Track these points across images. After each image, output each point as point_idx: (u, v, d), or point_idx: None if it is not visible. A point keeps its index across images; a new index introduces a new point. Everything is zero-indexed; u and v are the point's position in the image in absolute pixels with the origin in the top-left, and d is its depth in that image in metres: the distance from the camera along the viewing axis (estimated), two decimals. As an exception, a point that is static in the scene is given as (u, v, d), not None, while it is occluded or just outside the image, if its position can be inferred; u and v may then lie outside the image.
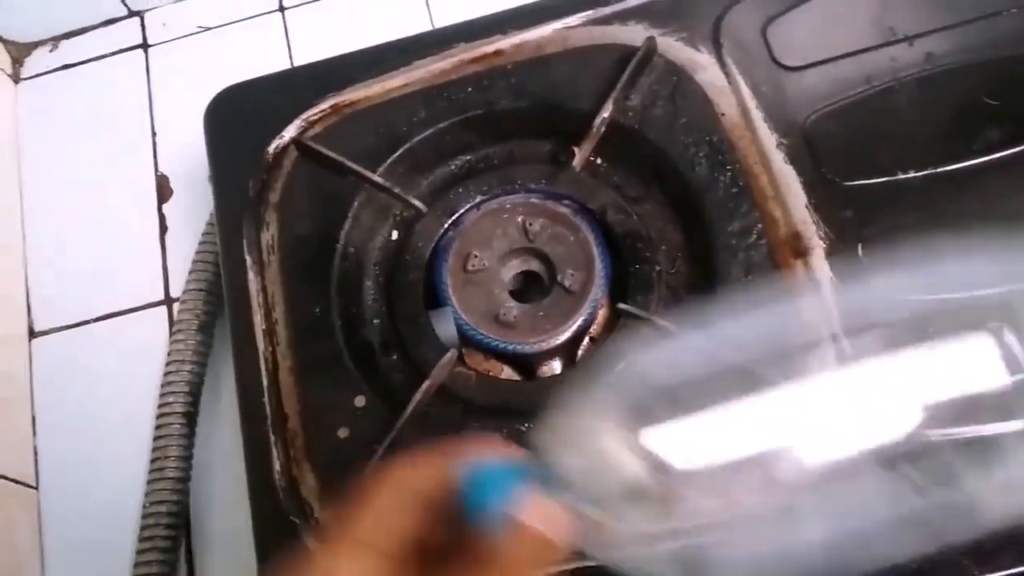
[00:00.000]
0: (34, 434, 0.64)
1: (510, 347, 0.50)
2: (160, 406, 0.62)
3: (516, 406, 0.49)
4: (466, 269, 0.52)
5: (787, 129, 0.52)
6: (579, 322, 0.50)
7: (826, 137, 0.51)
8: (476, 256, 0.52)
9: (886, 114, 0.52)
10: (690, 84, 0.54)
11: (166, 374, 0.63)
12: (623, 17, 0.57)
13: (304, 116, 0.58)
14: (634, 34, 0.55)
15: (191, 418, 0.63)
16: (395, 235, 0.56)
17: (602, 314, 0.53)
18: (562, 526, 0.30)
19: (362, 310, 0.53)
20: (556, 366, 0.52)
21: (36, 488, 0.63)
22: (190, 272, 0.65)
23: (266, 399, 0.51)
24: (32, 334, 0.68)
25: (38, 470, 0.64)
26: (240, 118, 0.59)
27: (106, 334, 0.67)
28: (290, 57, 0.75)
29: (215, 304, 0.64)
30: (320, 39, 0.75)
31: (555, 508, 0.30)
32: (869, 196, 0.50)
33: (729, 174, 0.51)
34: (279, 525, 0.48)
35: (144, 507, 0.60)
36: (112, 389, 0.66)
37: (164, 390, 0.62)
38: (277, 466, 0.49)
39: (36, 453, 0.64)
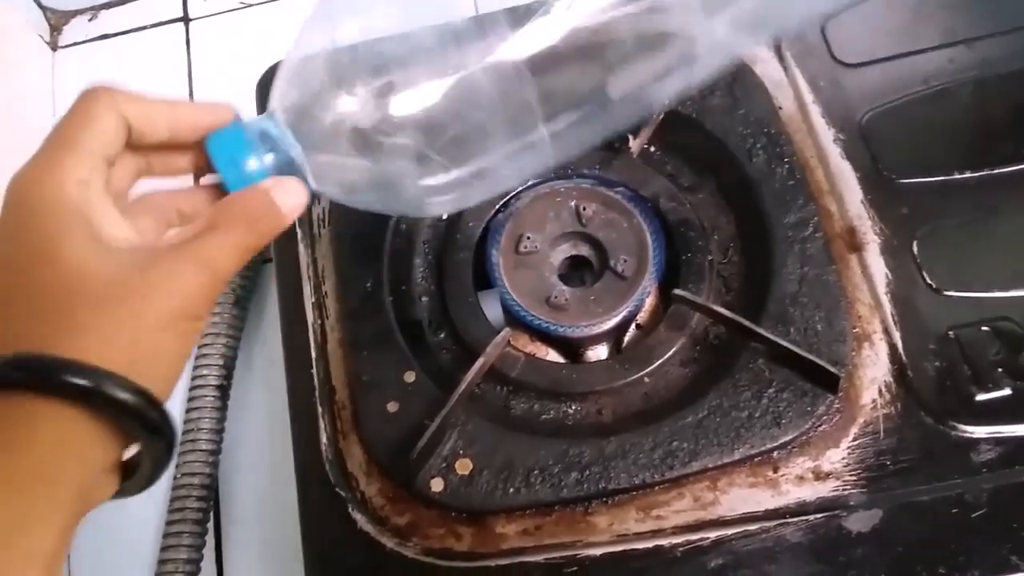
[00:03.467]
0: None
1: (560, 330, 0.50)
2: (193, 378, 0.61)
3: (564, 388, 0.49)
4: (518, 251, 0.52)
5: (844, 124, 0.52)
6: (630, 307, 0.50)
7: (883, 134, 0.52)
8: (528, 238, 0.52)
9: (942, 114, 0.52)
10: (749, 76, 0.54)
11: (201, 346, 0.62)
12: (681, 8, 0.57)
13: (356, 92, 0.57)
14: (692, 25, 0.55)
15: (224, 391, 0.62)
16: (445, 214, 0.55)
17: (650, 302, 0.53)
18: (292, 192, 0.34)
19: (411, 287, 0.53)
20: (602, 351, 0.52)
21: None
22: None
23: (314, 371, 0.51)
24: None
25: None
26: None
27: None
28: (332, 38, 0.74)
29: (250, 279, 0.64)
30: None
31: (289, 182, 0.34)
32: (925, 194, 0.50)
33: (786, 167, 0.51)
34: (325, 498, 0.48)
35: (175, 478, 0.60)
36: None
37: (198, 362, 0.62)
38: (324, 438, 0.49)
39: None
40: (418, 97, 0.35)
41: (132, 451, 0.30)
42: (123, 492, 0.30)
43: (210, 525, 0.60)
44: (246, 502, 0.61)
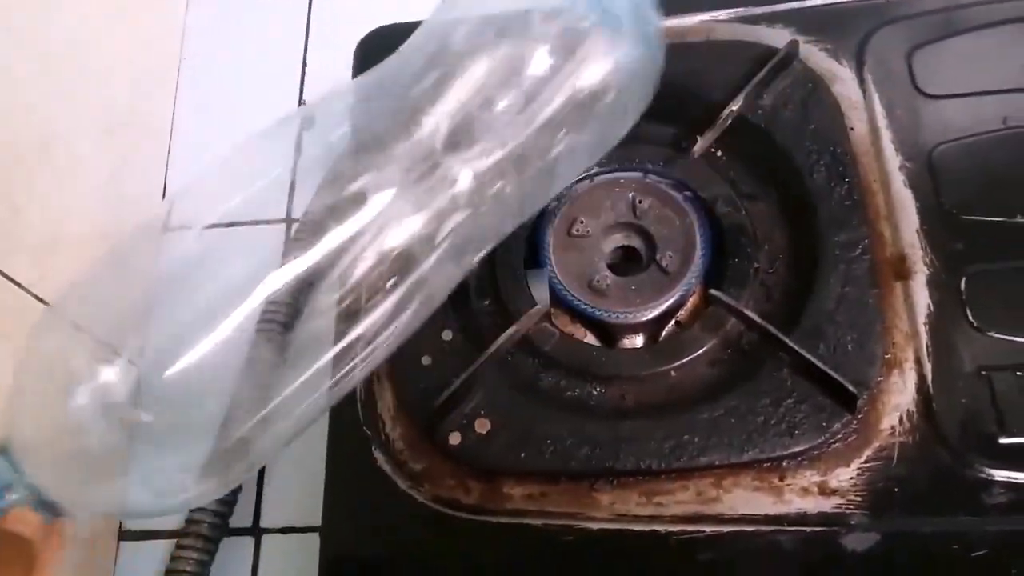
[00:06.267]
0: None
1: (597, 313, 0.52)
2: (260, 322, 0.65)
3: (592, 370, 0.51)
4: (570, 233, 0.54)
5: (913, 154, 0.52)
6: (670, 302, 0.51)
7: (951, 168, 0.51)
8: (582, 223, 0.54)
9: (1016, 157, 0.51)
10: (825, 94, 0.54)
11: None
12: (771, 19, 0.57)
13: (446, 64, 0.60)
14: (778, 37, 0.56)
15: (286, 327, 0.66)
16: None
17: (693, 300, 0.54)
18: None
19: (465, 253, 0.56)
20: (638, 340, 0.53)
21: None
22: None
23: (361, 315, 0.54)
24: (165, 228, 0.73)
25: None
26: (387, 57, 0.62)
27: (227, 240, 0.72)
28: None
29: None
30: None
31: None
32: (982, 233, 0.50)
33: (846, 186, 0.51)
34: (352, 435, 0.51)
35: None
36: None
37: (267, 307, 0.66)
38: (360, 379, 0.52)
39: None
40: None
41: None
42: None
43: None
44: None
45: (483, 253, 0.47)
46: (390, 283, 0.42)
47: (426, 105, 0.43)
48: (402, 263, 0.41)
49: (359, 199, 0.41)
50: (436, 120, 0.43)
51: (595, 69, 0.44)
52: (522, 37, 0.44)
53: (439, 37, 0.46)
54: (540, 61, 0.44)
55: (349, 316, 0.41)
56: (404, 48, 0.47)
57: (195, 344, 0.37)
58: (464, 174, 0.42)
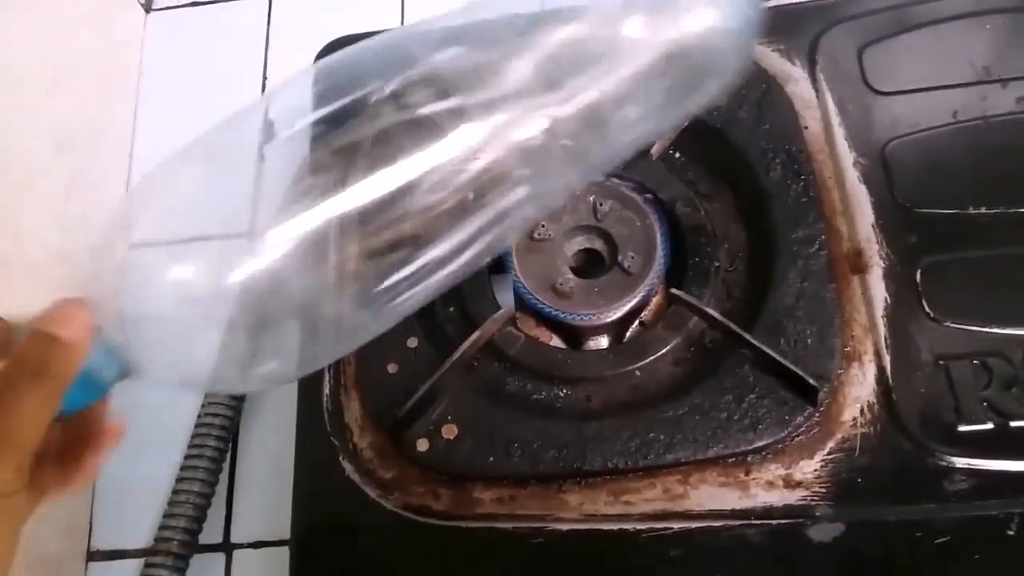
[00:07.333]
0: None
1: (561, 315, 0.52)
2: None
3: (558, 372, 0.51)
4: (532, 237, 0.54)
5: (866, 150, 0.53)
6: (632, 303, 0.52)
7: (904, 163, 0.52)
8: (543, 226, 0.54)
9: (967, 150, 0.52)
10: (779, 94, 0.55)
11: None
12: (724, 22, 0.58)
13: (405, 74, 0.61)
14: (731, 39, 0.57)
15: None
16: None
17: (656, 301, 0.54)
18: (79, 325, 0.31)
19: (428, 260, 0.56)
20: (603, 341, 0.54)
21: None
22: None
23: (326, 326, 0.54)
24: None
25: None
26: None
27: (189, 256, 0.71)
28: (403, 20, 0.78)
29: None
30: (434, 6, 0.78)
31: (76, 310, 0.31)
32: (936, 225, 0.51)
33: (802, 184, 0.52)
34: (320, 445, 0.51)
35: (198, 416, 0.64)
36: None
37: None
38: (327, 390, 0.52)
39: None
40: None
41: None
42: None
43: (226, 465, 0.64)
44: (262, 446, 0.65)
45: (548, 205, 0.45)
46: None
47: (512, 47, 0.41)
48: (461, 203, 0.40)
49: (427, 125, 0.38)
50: (523, 61, 0.40)
51: (690, 21, 0.41)
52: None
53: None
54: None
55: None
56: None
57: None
58: (540, 118, 0.40)
